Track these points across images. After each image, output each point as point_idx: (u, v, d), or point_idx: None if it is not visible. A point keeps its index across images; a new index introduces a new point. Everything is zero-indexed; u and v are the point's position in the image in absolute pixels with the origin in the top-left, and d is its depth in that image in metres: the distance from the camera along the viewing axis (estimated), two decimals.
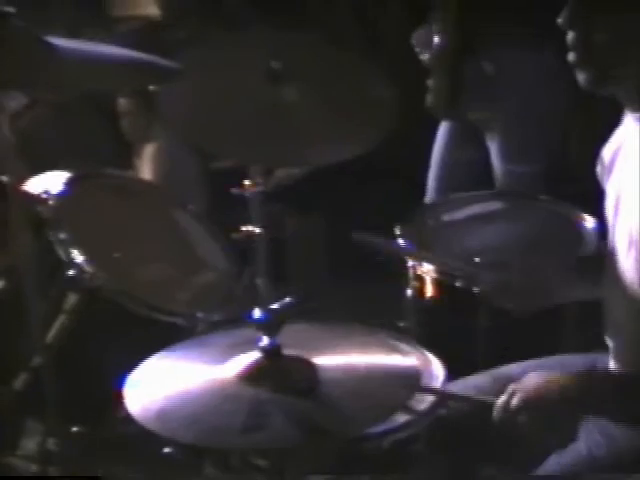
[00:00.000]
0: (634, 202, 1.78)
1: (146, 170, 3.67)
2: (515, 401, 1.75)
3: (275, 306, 1.67)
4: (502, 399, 1.78)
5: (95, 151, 3.80)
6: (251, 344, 1.63)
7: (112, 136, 3.87)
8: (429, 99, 3.22)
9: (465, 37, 3.12)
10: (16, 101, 3.45)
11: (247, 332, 1.67)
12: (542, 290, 2.07)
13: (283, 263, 3.51)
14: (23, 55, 1.81)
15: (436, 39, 3.15)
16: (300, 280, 3.65)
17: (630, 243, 1.81)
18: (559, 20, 1.75)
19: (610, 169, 1.93)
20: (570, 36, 1.75)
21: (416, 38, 3.30)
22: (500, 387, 1.83)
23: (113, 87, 2.44)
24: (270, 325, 1.62)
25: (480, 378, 2.08)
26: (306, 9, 4.47)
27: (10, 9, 1.88)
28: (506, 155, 3.23)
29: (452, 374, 1.98)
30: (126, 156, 3.81)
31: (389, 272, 2.53)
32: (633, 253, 1.80)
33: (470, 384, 2.04)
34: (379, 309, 2.48)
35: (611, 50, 1.73)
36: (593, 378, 1.87)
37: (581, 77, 1.77)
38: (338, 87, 2.52)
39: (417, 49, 3.28)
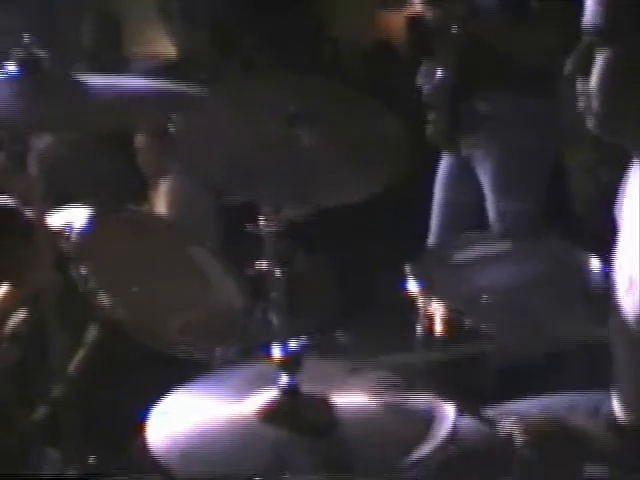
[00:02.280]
0: (634, 242, 1.79)
1: (161, 205, 3.71)
2: (520, 437, 1.79)
3: (293, 345, 1.71)
4: (507, 435, 1.81)
5: (113, 186, 3.85)
6: (267, 380, 1.66)
7: (129, 171, 3.92)
8: (429, 131, 3.30)
9: (463, 76, 3.19)
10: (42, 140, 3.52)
11: (262, 368, 1.71)
12: (545, 331, 2.10)
13: (296, 298, 3.55)
14: (56, 96, 1.85)
15: (437, 74, 3.23)
16: (313, 315, 3.69)
17: (630, 284, 1.84)
18: (565, 68, 1.79)
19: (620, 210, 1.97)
20: (578, 84, 1.77)
21: (420, 74, 3.38)
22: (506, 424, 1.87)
23: (144, 121, 2.49)
24: (290, 364, 1.65)
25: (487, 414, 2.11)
26: (322, 52, 4.55)
27: (43, 53, 1.94)
28: (498, 192, 3.29)
29: (461, 410, 2.01)
30: (143, 190, 3.86)
31: (399, 308, 2.58)
32: (632, 295, 1.82)
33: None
34: (390, 345, 2.52)
35: (621, 99, 1.73)
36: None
37: (589, 123, 1.77)
38: (352, 128, 2.58)
39: (420, 83, 3.36)
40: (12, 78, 1.97)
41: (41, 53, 1.95)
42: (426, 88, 3.31)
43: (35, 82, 1.90)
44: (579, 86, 1.77)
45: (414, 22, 4.41)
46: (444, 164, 3.50)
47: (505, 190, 3.31)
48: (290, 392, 1.64)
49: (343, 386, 1.73)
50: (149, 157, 3.78)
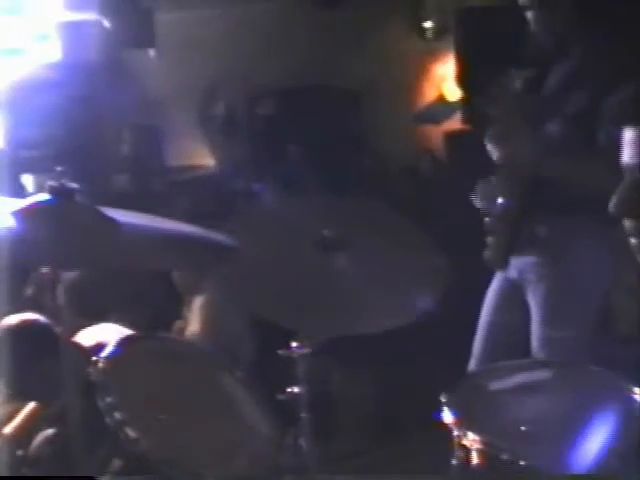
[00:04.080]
0: None
1: (194, 322, 3.70)
2: None
3: None
4: None
5: (147, 302, 3.85)
6: None
7: (164, 286, 3.92)
8: (487, 254, 3.27)
9: (526, 204, 3.17)
10: None
11: None
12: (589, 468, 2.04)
13: (329, 419, 3.50)
14: (86, 232, 1.85)
15: (500, 200, 3.21)
16: (347, 436, 3.63)
17: None
18: (610, 208, 1.76)
19: None
20: (629, 223, 1.76)
21: (479, 190, 3.35)
22: None
23: (168, 267, 2.48)
24: None
25: None
26: (363, 175, 4.58)
27: (75, 185, 1.95)
28: (548, 320, 3.23)
29: None
30: (177, 306, 3.86)
31: (435, 433, 2.52)
32: None
33: None
34: (425, 475, 2.46)
35: None
36: None
37: None
38: (389, 255, 2.55)
39: (477, 201, 3.33)
40: (44, 207, 1.97)
41: (72, 185, 1.96)
42: (487, 215, 3.29)
43: (65, 213, 1.89)
44: (629, 226, 1.76)
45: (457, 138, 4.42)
46: (495, 286, 3.45)
47: (555, 318, 3.25)
48: None
49: None
50: (185, 273, 3.78)
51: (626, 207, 1.74)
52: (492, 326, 3.42)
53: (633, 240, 1.77)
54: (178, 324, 3.78)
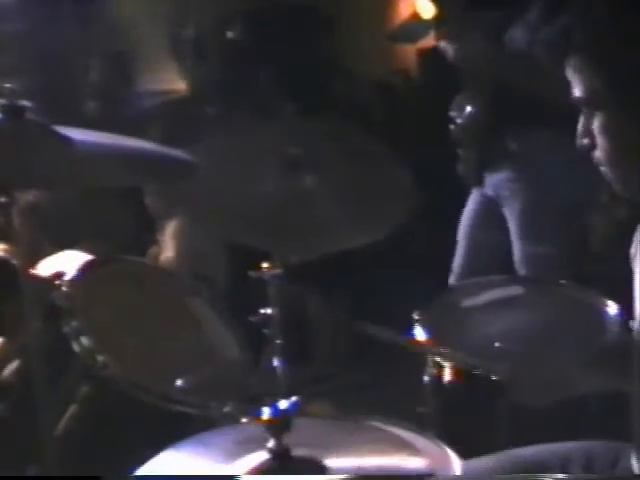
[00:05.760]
0: None
1: (168, 247, 3.66)
2: None
3: (282, 406, 1.64)
4: None
5: (119, 227, 3.81)
6: (259, 442, 1.60)
7: (137, 212, 3.88)
8: (459, 167, 3.24)
9: (494, 114, 3.13)
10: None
11: (253, 429, 1.65)
12: (559, 382, 2.03)
13: (303, 344, 3.50)
14: (37, 150, 1.80)
15: (467, 111, 3.17)
16: (320, 361, 3.63)
17: None
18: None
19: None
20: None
21: (455, 104, 3.32)
22: (514, 469, 1.80)
23: (127, 184, 2.44)
24: (278, 426, 1.60)
25: (494, 459, 2.04)
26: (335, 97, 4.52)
27: (26, 103, 1.89)
28: (524, 235, 3.22)
29: (470, 458, 1.94)
30: (151, 231, 3.82)
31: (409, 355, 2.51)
32: None
33: (484, 465, 2.00)
34: (398, 393, 2.45)
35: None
36: None
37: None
38: (355, 173, 2.52)
39: (453, 114, 3.30)
40: None
41: (23, 102, 1.90)
42: (455, 124, 3.25)
43: (15, 131, 1.84)
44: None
45: (431, 56, 4.36)
46: (471, 203, 3.43)
47: (531, 233, 3.23)
48: (279, 455, 1.58)
49: (336, 447, 1.66)
50: (157, 198, 3.73)
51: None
52: (471, 242, 3.42)
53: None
54: (152, 250, 3.75)
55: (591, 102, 1.67)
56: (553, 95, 2.89)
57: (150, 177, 2.05)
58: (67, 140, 1.84)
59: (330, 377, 3.40)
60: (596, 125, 1.68)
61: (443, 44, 3.17)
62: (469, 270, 3.38)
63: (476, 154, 3.23)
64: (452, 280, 3.39)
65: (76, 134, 1.89)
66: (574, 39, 1.67)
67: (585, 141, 1.72)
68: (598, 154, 1.71)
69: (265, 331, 2.64)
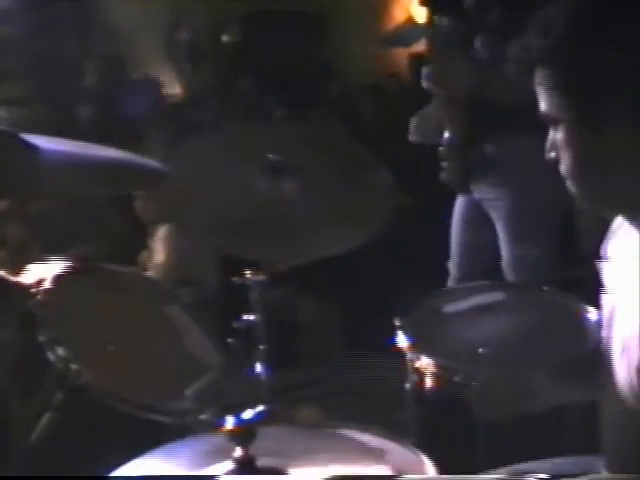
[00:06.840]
0: (628, 307, 1.72)
1: (159, 252, 3.69)
2: None
3: (247, 414, 1.64)
4: None
5: (110, 232, 3.82)
6: (226, 452, 1.60)
7: (127, 217, 3.89)
8: (444, 177, 3.26)
9: (471, 129, 3.15)
10: None
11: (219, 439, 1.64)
12: (525, 394, 2.02)
13: (288, 350, 3.50)
14: (2, 158, 1.79)
15: (446, 134, 3.19)
16: (306, 367, 3.63)
17: (623, 348, 1.76)
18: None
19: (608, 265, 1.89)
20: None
21: (414, 123, 3.35)
22: None
23: (95, 193, 2.42)
24: (243, 435, 1.60)
25: None
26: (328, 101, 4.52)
27: None
28: (511, 238, 3.23)
29: (449, 468, 1.94)
30: (141, 237, 3.83)
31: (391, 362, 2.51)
32: (625, 359, 1.75)
33: None
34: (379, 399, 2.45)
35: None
36: None
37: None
38: (337, 178, 2.52)
39: (412, 135, 3.33)
40: None
41: None
42: (440, 147, 3.28)
43: None
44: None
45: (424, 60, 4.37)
46: (459, 207, 3.45)
47: (517, 236, 3.24)
48: (244, 464, 1.59)
49: (303, 457, 1.67)
50: (145, 204, 3.75)
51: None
52: (462, 246, 3.44)
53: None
54: (143, 255, 3.77)
55: (554, 117, 1.67)
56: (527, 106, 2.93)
57: (117, 186, 2.04)
58: (33, 149, 1.83)
59: (317, 382, 3.40)
60: (559, 139, 1.68)
61: (426, 84, 3.22)
62: (464, 274, 3.39)
63: (459, 164, 3.24)
64: (450, 282, 3.40)
65: (43, 142, 1.88)
66: (535, 55, 1.67)
67: (552, 154, 1.72)
68: (563, 168, 1.71)
69: (248, 337, 2.66)
